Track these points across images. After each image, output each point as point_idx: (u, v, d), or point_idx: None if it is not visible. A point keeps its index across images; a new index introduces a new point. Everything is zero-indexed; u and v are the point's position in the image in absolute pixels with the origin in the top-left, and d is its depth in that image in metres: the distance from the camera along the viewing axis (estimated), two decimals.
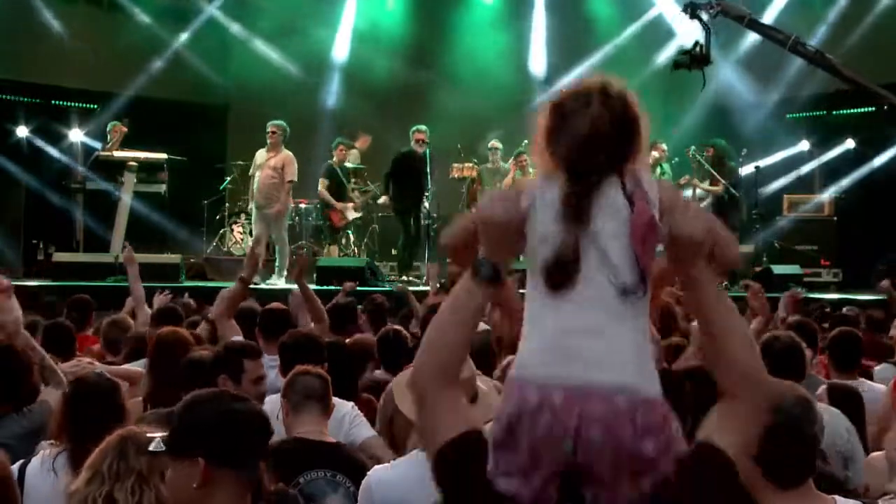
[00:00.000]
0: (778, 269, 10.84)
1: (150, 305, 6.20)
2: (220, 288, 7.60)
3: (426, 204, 11.51)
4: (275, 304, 5.24)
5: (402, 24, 14.97)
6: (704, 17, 8.64)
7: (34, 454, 3.09)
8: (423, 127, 11.02)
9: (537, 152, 1.73)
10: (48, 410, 3.57)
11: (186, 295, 7.24)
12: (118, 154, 11.42)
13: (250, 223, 12.34)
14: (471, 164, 13.01)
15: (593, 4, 15.28)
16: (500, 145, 11.60)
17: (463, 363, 1.88)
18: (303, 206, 12.69)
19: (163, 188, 11.69)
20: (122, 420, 3.00)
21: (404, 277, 11.29)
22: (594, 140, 1.66)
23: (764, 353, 3.72)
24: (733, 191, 11.07)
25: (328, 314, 5.49)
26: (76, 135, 13.20)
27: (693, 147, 12.30)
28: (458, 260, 1.84)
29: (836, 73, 6.83)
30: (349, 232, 12.62)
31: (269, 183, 10.56)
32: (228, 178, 12.87)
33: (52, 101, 13.64)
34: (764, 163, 12.58)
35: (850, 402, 3.82)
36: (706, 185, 11.16)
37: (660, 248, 1.67)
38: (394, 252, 12.47)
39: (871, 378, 4.87)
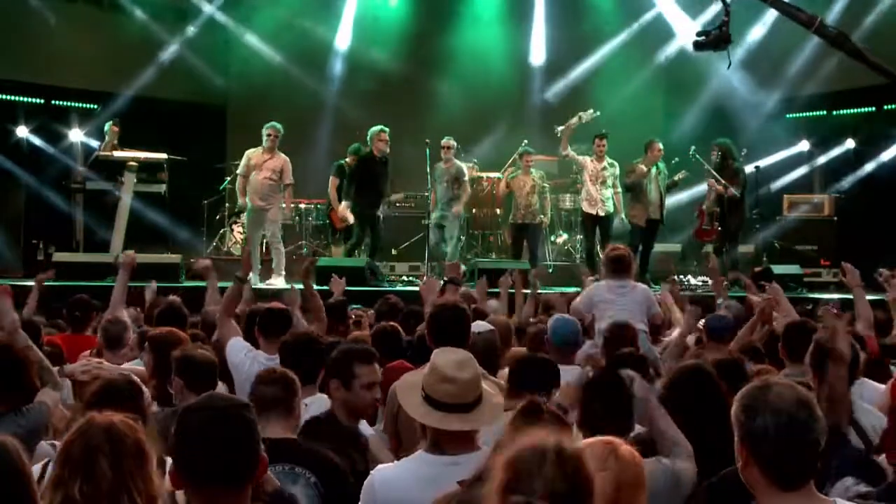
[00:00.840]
0: (778, 269, 10.83)
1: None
2: (220, 288, 7.61)
3: (384, 207, 11.48)
4: (275, 304, 5.24)
5: (402, 24, 14.96)
6: None
7: (33, 455, 3.08)
8: (387, 129, 11.00)
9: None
10: (46, 411, 3.56)
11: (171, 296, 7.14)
12: (118, 154, 11.42)
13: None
14: (471, 165, 13.01)
15: (594, 2, 15.28)
16: (453, 143, 11.42)
17: None
18: (303, 206, 12.70)
19: (163, 188, 11.70)
20: (145, 423, 2.99)
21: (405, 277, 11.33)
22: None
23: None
24: (735, 191, 11.07)
25: None
26: (76, 135, 13.21)
27: (693, 147, 12.29)
28: None
29: (860, 58, 6.74)
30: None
31: (268, 185, 10.56)
32: (228, 178, 12.86)
33: (52, 101, 13.64)
34: (764, 163, 12.58)
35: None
36: (719, 185, 11.18)
37: None
38: (394, 252, 12.48)
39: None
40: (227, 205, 12.78)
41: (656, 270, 11.02)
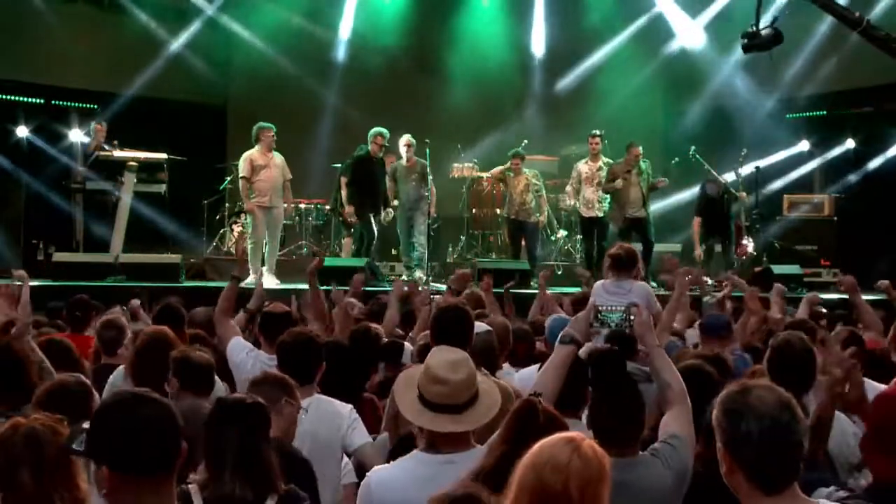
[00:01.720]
0: (778, 269, 10.84)
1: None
2: (220, 288, 7.61)
3: (386, 210, 11.37)
4: (275, 305, 5.23)
5: (402, 24, 14.96)
6: None
7: None
8: (386, 132, 10.98)
9: None
10: None
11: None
12: (118, 154, 11.42)
13: (249, 223, 12.34)
14: (471, 164, 13.01)
15: (594, 2, 15.28)
16: (413, 141, 11.32)
17: None
18: (303, 206, 12.69)
19: (163, 188, 11.70)
20: None
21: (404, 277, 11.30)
22: None
23: (777, 358, 3.73)
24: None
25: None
26: (76, 135, 13.18)
27: (693, 147, 12.31)
28: None
29: None
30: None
31: (278, 183, 10.57)
32: (228, 178, 12.86)
33: (52, 101, 13.63)
34: (764, 163, 12.58)
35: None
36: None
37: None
38: (394, 252, 12.47)
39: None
40: (227, 205, 12.78)
41: (656, 270, 11.01)
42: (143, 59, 13.72)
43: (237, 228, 12.41)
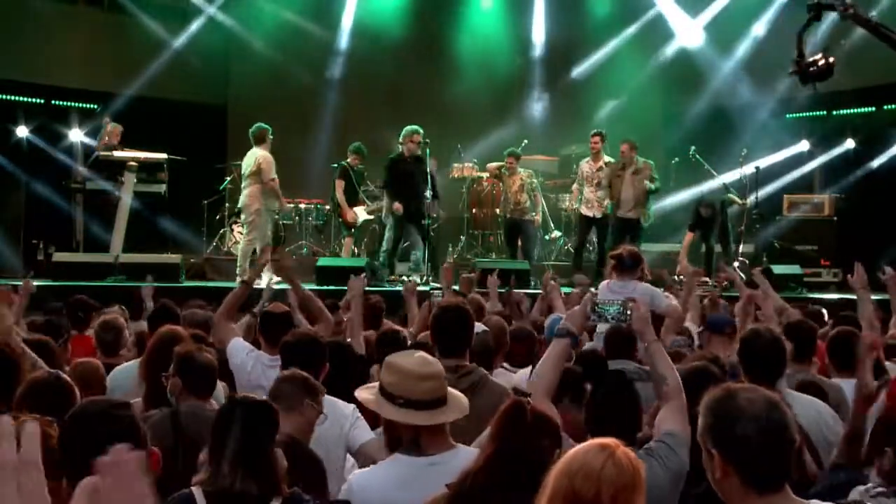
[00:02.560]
0: (778, 269, 10.83)
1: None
2: (220, 288, 7.62)
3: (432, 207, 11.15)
4: (275, 305, 5.22)
5: (402, 25, 14.96)
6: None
7: None
8: (421, 130, 10.87)
9: None
10: None
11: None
12: (118, 154, 11.42)
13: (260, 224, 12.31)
14: (471, 164, 13.00)
15: (594, 3, 15.29)
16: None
17: None
18: (303, 206, 12.69)
19: (163, 188, 11.69)
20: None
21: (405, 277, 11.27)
22: None
23: (746, 350, 3.81)
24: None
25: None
26: (76, 135, 13.20)
27: (693, 147, 12.32)
28: None
29: None
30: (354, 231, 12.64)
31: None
32: (228, 178, 12.85)
33: (52, 101, 13.63)
34: (764, 163, 12.57)
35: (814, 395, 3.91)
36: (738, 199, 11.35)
37: None
38: None
39: None
40: (227, 205, 12.77)
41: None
42: (143, 59, 13.72)
43: (237, 228, 12.40)
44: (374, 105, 14.53)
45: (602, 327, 5.75)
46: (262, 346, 4.87)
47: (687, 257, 11.11)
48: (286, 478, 2.65)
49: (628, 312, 3.36)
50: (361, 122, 13.73)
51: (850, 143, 13.80)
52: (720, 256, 11.71)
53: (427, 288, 9.03)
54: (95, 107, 13.63)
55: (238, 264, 10.34)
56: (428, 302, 6.26)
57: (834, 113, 14.08)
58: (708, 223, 11.41)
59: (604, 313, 3.46)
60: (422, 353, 3.09)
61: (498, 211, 12.67)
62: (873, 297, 5.69)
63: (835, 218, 12.91)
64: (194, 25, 14.39)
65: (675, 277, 9.79)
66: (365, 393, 3.17)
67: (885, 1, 12.61)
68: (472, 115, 14.11)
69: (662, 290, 6.99)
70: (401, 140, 10.84)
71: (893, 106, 13.28)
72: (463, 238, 12.90)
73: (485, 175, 12.81)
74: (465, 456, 2.86)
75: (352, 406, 3.93)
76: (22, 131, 13.11)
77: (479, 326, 4.54)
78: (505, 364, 5.07)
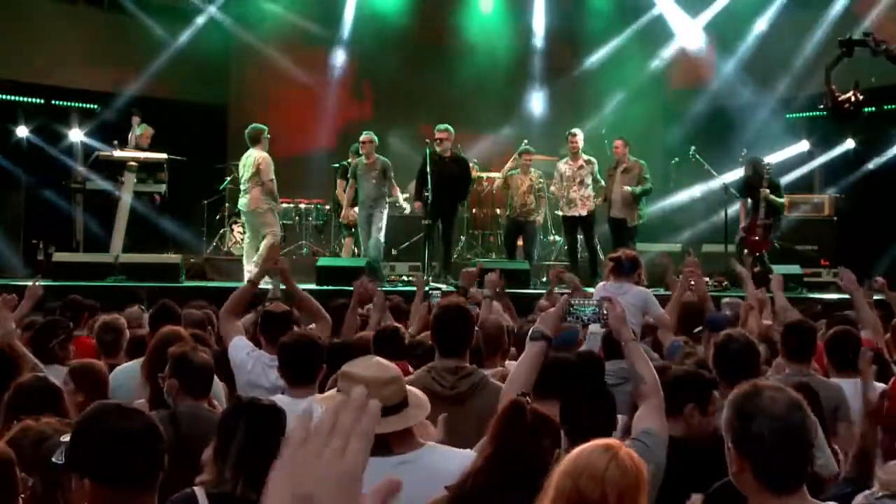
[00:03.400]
0: (778, 269, 10.81)
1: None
2: (220, 288, 7.60)
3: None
4: (276, 305, 5.22)
5: (402, 26, 14.95)
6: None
7: None
8: (442, 126, 10.77)
9: None
10: None
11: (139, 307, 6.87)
12: (118, 154, 11.43)
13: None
14: (471, 165, 12.99)
15: (594, 3, 15.29)
16: (373, 139, 10.93)
17: None
18: (303, 206, 12.69)
19: (163, 188, 11.69)
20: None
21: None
22: None
23: (719, 354, 3.84)
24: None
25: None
26: (76, 135, 13.20)
27: (693, 147, 12.32)
28: None
29: None
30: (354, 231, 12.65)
31: None
32: (228, 178, 12.86)
33: (52, 101, 13.63)
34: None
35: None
36: (777, 199, 11.17)
37: None
38: (394, 252, 12.46)
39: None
40: (227, 205, 12.77)
41: (655, 272, 11.01)
42: (143, 59, 13.72)
43: (237, 228, 12.41)
44: (374, 105, 14.54)
45: (594, 327, 5.74)
46: (263, 345, 4.87)
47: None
48: None
49: (604, 312, 3.35)
50: (362, 122, 13.73)
51: (850, 143, 13.79)
52: (716, 257, 11.70)
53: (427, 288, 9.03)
54: (95, 107, 13.63)
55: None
56: (427, 302, 6.26)
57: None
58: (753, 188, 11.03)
59: (579, 314, 3.43)
60: (377, 359, 3.03)
61: (498, 211, 12.67)
62: (873, 297, 5.69)
63: (835, 218, 12.91)
64: (194, 25, 14.39)
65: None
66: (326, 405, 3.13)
67: (886, 1, 12.63)
68: (472, 116, 14.09)
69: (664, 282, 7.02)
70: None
71: (893, 106, 13.27)
72: (463, 238, 12.90)
73: (485, 175, 12.80)
74: (437, 454, 2.86)
75: None
76: (22, 131, 13.10)
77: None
78: (508, 363, 5.06)
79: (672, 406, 3.19)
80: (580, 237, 11.53)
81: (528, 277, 10.50)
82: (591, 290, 7.10)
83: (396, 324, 5.45)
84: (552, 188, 11.57)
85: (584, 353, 4.36)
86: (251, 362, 4.69)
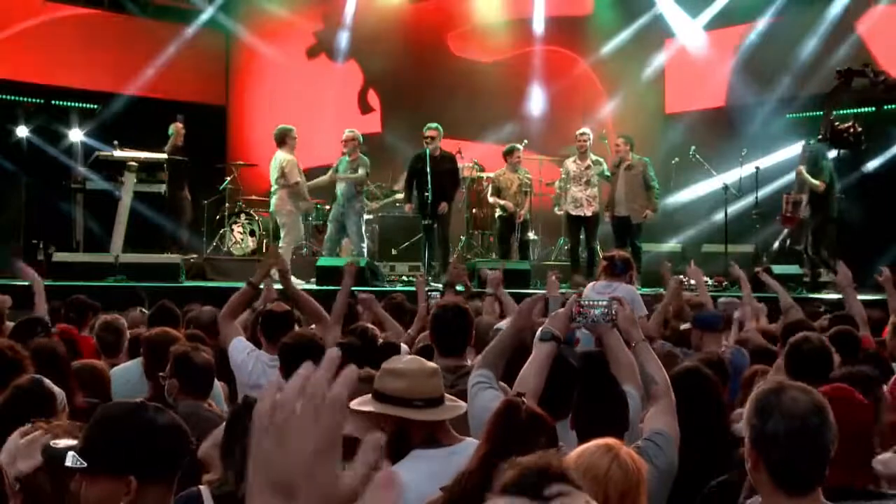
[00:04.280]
0: (778, 269, 10.82)
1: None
2: (220, 288, 7.59)
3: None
4: (276, 305, 5.22)
5: (402, 26, 14.96)
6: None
7: None
8: (432, 125, 10.81)
9: None
10: None
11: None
12: (118, 154, 11.44)
13: (250, 223, 12.35)
14: (470, 165, 13.00)
15: (594, 2, 15.29)
16: (355, 136, 10.91)
17: None
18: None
19: (163, 188, 11.69)
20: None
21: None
22: None
23: (792, 355, 3.77)
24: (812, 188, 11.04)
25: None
26: (76, 135, 13.20)
27: (693, 147, 12.33)
28: None
29: None
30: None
31: None
32: (228, 178, 12.86)
33: (52, 101, 13.63)
34: (764, 163, 12.56)
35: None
36: (811, 179, 11.20)
37: None
38: (394, 252, 12.47)
39: None
40: (227, 205, 12.78)
41: (655, 271, 11.02)
42: (143, 59, 13.72)
43: (237, 228, 12.41)
44: (374, 105, 14.54)
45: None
46: (263, 345, 4.87)
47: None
48: None
49: (613, 313, 3.34)
50: (362, 122, 13.73)
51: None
52: (714, 257, 11.70)
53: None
54: (95, 107, 13.63)
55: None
56: (426, 302, 6.26)
57: (834, 113, 14.05)
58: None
59: (588, 315, 3.42)
60: (411, 356, 3.13)
61: (498, 211, 12.64)
62: (873, 297, 5.70)
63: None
64: (194, 25, 14.39)
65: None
66: (368, 406, 3.05)
67: (885, 1, 12.63)
68: (473, 116, 14.10)
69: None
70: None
71: (893, 106, 13.26)
72: (463, 238, 12.90)
73: (485, 175, 12.80)
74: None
75: None
76: (22, 131, 13.11)
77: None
78: None
79: None
80: (581, 237, 11.54)
81: (528, 277, 10.50)
82: (581, 288, 7.12)
83: (370, 325, 5.46)
84: (556, 184, 11.58)
85: (592, 353, 4.35)
86: (251, 362, 4.69)
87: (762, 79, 13.82)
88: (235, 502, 2.56)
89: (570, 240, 11.62)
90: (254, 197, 13.16)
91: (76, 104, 13.71)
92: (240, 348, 4.79)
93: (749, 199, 12.05)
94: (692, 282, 8.07)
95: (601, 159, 11.25)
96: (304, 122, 14.23)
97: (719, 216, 11.98)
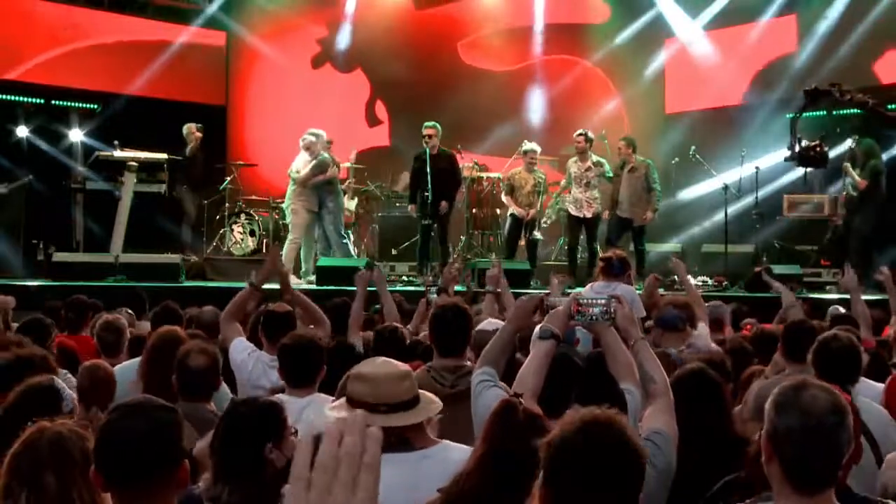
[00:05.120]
0: (778, 269, 10.83)
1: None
2: (220, 288, 7.59)
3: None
4: (276, 305, 5.22)
5: (402, 26, 14.96)
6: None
7: None
8: (430, 123, 10.84)
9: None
10: None
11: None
12: (118, 154, 11.44)
13: (250, 223, 12.35)
14: (471, 165, 13.00)
15: (594, 1, 15.30)
16: (315, 135, 10.87)
17: None
18: None
19: (163, 188, 11.69)
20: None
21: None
22: None
23: (820, 353, 3.77)
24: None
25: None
26: (76, 135, 13.20)
27: (693, 147, 12.33)
28: None
29: None
30: (348, 232, 12.65)
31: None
32: (228, 178, 12.86)
33: (52, 101, 13.62)
34: (764, 163, 12.56)
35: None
36: (856, 173, 11.25)
37: None
38: (394, 252, 12.47)
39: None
40: (226, 205, 12.78)
41: (655, 271, 11.04)
42: (143, 59, 13.72)
43: (237, 228, 12.42)
44: (375, 105, 14.53)
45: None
46: (264, 346, 4.87)
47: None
48: (283, 483, 2.63)
49: (612, 311, 3.34)
50: (362, 122, 13.73)
51: (850, 143, 13.76)
52: (713, 256, 11.70)
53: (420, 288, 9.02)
54: (95, 107, 13.63)
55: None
56: (425, 300, 6.27)
57: (834, 113, 14.06)
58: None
59: (587, 313, 3.40)
60: (384, 358, 3.05)
61: (499, 211, 12.65)
62: (874, 297, 5.70)
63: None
64: (194, 25, 14.40)
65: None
66: (341, 412, 3.02)
67: (885, 1, 12.63)
68: (472, 116, 14.09)
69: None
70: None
71: (893, 106, 13.25)
72: (463, 238, 12.90)
73: (485, 175, 12.80)
74: (456, 449, 2.89)
75: None
76: (22, 131, 13.11)
77: (495, 323, 4.57)
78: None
79: None
80: (581, 238, 11.53)
81: (529, 277, 10.49)
82: (580, 289, 7.14)
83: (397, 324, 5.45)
84: (561, 184, 11.57)
85: (593, 355, 4.35)
86: (251, 363, 4.70)
87: (762, 79, 13.82)
88: None
89: (570, 240, 11.61)
90: (254, 197, 13.17)
91: (76, 104, 13.70)
92: (240, 348, 4.80)
93: (749, 199, 12.05)
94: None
95: (603, 160, 11.22)
96: (305, 123, 14.28)
97: (719, 216, 11.97)
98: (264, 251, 11.76)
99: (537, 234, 11.64)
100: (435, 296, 6.52)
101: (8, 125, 13.07)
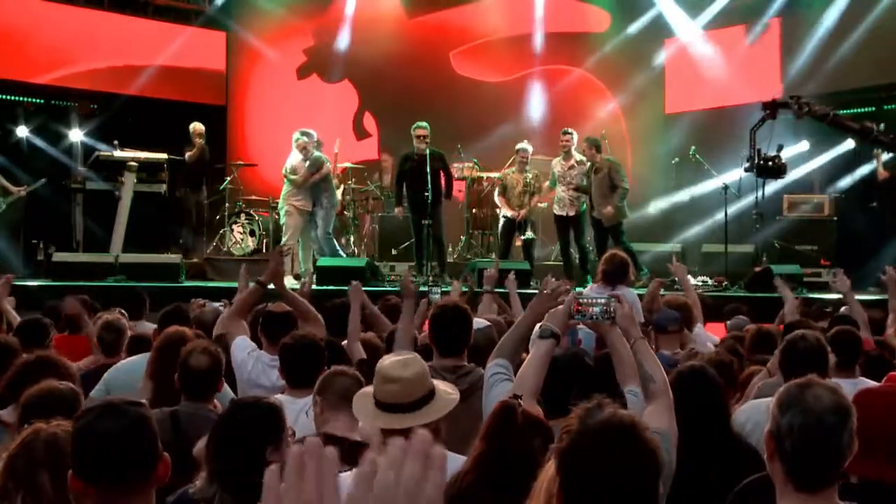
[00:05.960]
0: (778, 269, 10.83)
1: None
2: (220, 288, 7.58)
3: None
4: (276, 306, 5.22)
5: (401, 23, 14.95)
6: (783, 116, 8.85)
7: None
8: (423, 123, 10.88)
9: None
10: None
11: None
12: (118, 154, 11.45)
13: (250, 223, 12.35)
14: (471, 165, 13.00)
15: (594, 1, 15.28)
16: (305, 138, 10.96)
17: None
18: None
19: (163, 188, 11.69)
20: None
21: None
22: None
23: (787, 352, 3.80)
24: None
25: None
26: (76, 135, 13.21)
27: (693, 147, 12.33)
28: None
29: None
30: (349, 232, 12.66)
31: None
32: (228, 178, 12.86)
33: (52, 101, 13.63)
34: None
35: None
36: (885, 157, 11.29)
37: None
38: (394, 252, 12.47)
39: None
40: (227, 205, 12.78)
41: (656, 272, 11.03)
42: (143, 59, 13.72)
43: (237, 228, 12.42)
44: (375, 105, 14.52)
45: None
46: (264, 345, 4.87)
47: None
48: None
49: (612, 311, 3.33)
50: (362, 122, 13.73)
51: (850, 143, 13.77)
52: (714, 257, 11.68)
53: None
54: (95, 107, 13.63)
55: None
56: (426, 300, 6.27)
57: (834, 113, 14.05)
58: None
59: (587, 313, 3.40)
60: (393, 357, 3.03)
61: (498, 211, 12.63)
62: (874, 297, 5.70)
63: (835, 218, 12.90)
64: (194, 25, 14.40)
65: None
66: (377, 421, 2.95)
67: (886, 1, 12.62)
68: (472, 116, 14.09)
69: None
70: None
71: (893, 106, 13.26)
72: (463, 238, 12.89)
73: (485, 175, 12.79)
74: (452, 459, 2.86)
75: None
76: (22, 131, 13.11)
77: (483, 322, 4.55)
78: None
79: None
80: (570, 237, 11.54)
81: (528, 277, 10.48)
82: (579, 289, 7.10)
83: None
84: (545, 184, 11.55)
85: (601, 356, 4.35)
86: (251, 362, 4.69)
87: (762, 79, 13.81)
88: None
89: (560, 240, 11.61)
90: (254, 197, 13.17)
91: (76, 104, 13.70)
92: (241, 347, 4.79)
93: (749, 199, 12.04)
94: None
95: (585, 158, 11.19)
96: (305, 124, 14.27)
97: (719, 216, 11.97)
98: (264, 251, 11.78)
99: (530, 234, 11.64)
100: (437, 296, 6.52)
101: (8, 125, 13.07)
